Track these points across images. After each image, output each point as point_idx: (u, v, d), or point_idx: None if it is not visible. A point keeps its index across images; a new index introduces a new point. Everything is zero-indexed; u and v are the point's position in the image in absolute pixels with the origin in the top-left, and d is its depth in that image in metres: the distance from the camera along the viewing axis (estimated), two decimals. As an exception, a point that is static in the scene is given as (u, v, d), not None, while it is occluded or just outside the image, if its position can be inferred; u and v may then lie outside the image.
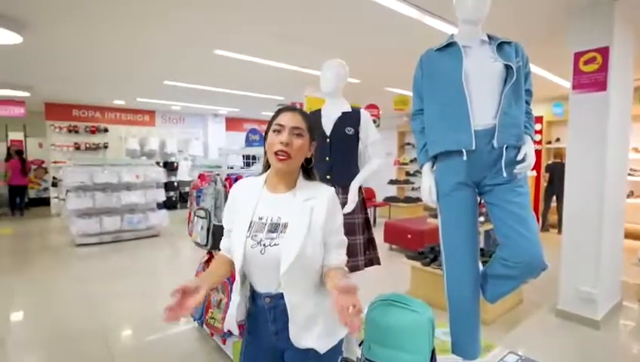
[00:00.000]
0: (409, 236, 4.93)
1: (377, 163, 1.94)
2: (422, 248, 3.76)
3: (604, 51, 2.71)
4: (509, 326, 2.85)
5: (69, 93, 7.09)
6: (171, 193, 8.99)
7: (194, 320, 2.58)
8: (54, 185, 8.03)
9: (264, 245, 1.04)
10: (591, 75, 2.78)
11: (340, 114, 1.92)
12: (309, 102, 5.14)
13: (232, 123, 10.67)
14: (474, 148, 1.49)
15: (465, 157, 1.51)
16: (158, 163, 7.81)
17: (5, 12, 3.03)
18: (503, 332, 2.75)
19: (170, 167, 9.24)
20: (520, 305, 3.24)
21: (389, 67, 4.84)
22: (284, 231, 1.04)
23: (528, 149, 1.50)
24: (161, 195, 6.17)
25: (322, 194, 1.10)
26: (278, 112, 1.11)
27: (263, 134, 1.18)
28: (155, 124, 9.57)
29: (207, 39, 3.77)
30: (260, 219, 1.09)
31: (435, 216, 3.57)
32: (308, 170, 1.16)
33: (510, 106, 1.49)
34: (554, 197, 6.23)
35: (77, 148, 8.46)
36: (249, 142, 2.68)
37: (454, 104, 1.50)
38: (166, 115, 9.74)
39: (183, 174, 9.45)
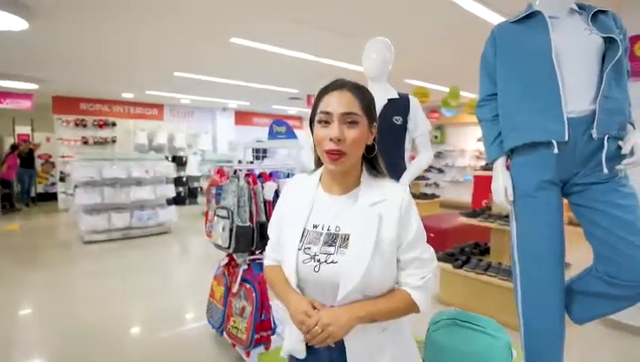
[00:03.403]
0: (431, 235, 4.68)
1: (427, 157, 1.71)
2: (449, 249, 3.55)
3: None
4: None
5: (77, 86, 6.92)
6: (180, 188, 8.81)
7: (212, 328, 2.38)
8: (62, 179, 7.92)
9: (319, 261, 0.83)
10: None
11: (386, 101, 1.69)
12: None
13: (241, 117, 10.47)
14: (567, 138, 1.24)
15: (555, 150, 1.25)
16: (167, 157, 7.61)
17: (9, -6, 2.84)
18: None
19: (179, 162, 9.05)
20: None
21: (412, 57, 4.58)
22: (345, 245, 0.83)
23: (637, 140, 1.24)
24: (170, 191, 5.98)
25: (393, 195, 0.87)
26: (322, 92, 0.87)
27: (309, 122, 0.94)
28: (163, 118, 9.40)
29: (223, 26, 3.55)
30: (315, 227, 0.87)
31: (469, 216, 3.31)
32: (371, 160, 0.94)
33: (611, 88, 1.23)
34: None
35: (85, 142, 8.32)
36: (273, 135, 2.43)
37: (541, 86, 1.25)
38: (175, 109, 9.56)
39: (192, 169, 9.25)
